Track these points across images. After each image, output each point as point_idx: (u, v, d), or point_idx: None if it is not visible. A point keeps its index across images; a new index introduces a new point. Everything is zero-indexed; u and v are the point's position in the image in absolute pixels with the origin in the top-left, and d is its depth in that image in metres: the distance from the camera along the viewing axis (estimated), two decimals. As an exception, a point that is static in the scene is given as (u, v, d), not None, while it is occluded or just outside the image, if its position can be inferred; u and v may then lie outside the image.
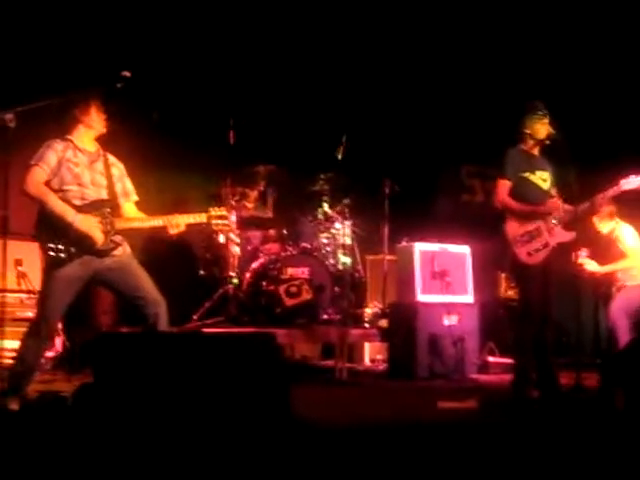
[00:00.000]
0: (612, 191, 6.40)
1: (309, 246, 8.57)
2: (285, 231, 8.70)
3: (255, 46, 9.45)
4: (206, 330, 7.47)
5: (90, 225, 5.41)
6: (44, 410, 5.02)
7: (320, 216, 8.87)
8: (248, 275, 8.35)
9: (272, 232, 8.93)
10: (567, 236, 6.36)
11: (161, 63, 9.10)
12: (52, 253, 5.35)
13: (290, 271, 8.15)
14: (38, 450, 4.12)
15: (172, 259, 8.95)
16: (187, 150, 9.27)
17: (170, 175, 9.44)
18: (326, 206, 8.91)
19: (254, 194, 9.06)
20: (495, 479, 4.12)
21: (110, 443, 4.03)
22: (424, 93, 10.16)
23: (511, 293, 9.35)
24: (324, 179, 8.86)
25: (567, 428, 5.36)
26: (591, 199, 6.37)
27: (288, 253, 8.40)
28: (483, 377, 8.11)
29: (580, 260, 7.72)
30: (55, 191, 5.39)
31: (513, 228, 6.32)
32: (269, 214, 9.14)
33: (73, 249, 5.37)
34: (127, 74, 5.46)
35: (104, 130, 5.70)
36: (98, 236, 5.43)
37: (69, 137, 5.59)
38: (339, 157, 8.93)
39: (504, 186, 6.36)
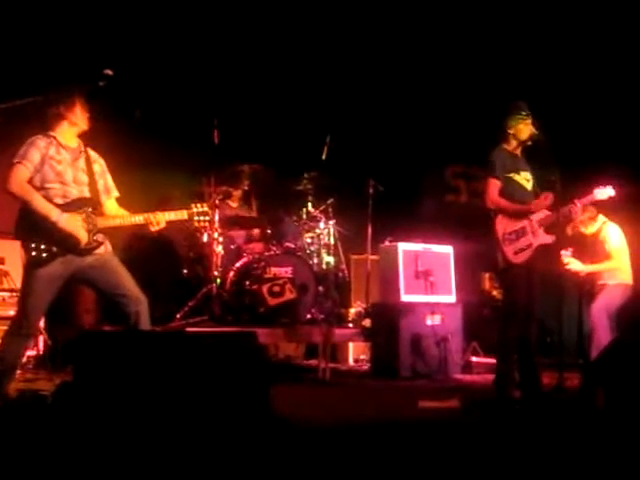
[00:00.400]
0: (585, 200, 6.53)
1: (293, 246, 8.56)
2: (269, 230, 8.68)
3: (240, 45, 9.44)
4: (189, 329, 7.46)
5: (74, 225, 5.39)
6: (24, 409, 5.00)
7: (304, 216, 8.88)
8: (231, 274, 8.33)
9: (256, 231, 8.93)
10: (548, 239, 6.37)
11: (145, 61, 9.09)
12: (34, 253, 5.32)
13: (273, 270, 8.14)
14: (17, 448, 4.10)
15: (155, 258, 8.94)
16: (171, 149, 9.25)
17: (154, 173, 9.43)
18: (310, 206, 8.92)
19: (238, 193, 9.04)
20: (476, 478, 4.12)
21: (90, 442, 4.02)
22: (409, 93, 10.17)
23: (495, 293, 9.37)
24: (308, 179, 8.86)
25: (548, 428, 5.37)
26: (567, 207, 6.40)
27: (271, 252, 8.39)
28: (466, 377, 8.13)
29: (564, 259, 7.75)
30: (37, 189, 5.36)
31: (502, 226, 6.34)
32: (253, 213, 9.13)
33: (55, 248, 5.35)
34: (109, 72, 5.43)
35: (87, 127, 5.68)
36: (82, 235, 5.41)
37: (52, 133, 5.56)
38: (323, 157, 8.95)
39: (495, 186, 6.36)
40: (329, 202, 9.02)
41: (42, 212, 5.33)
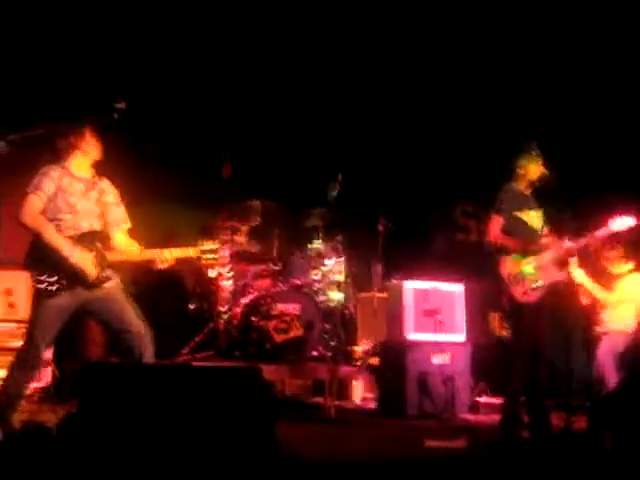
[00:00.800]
0: (602, 231, 6.34)
1: (299, 282, 8.54)
2: (277, 267, 8.68)
3: (252, 81, 9.49)
4: (195, 364, 7.43)
5: (85, 260, 5.40)
6: (28, 440, 4.96)
7: (312, 252, 8.87)
8: (238, 310, 8.32)
9: (263, 267, 8.92)
10: (560, 275, 6.34)
11: (157, 95, 9.14)
12: (43, 284, 5.33)
13: (280, 307, 8.13)
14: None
15: (162, 292, 8.91)
16: (180, 183, 9.30)
17: (162, 208, 9.45)
18: (318, 242, 8.91)
19: (245, 229, 9.04)
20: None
21: (94, 474, 3.99)
22: (420, 130, 10.19)
23: (504, 333, 9.30)
24: (317, 215, 8.86)
25: (555, 469, 5.32)
26: (582, 238, 6.34)
27: (278, 289, 8.38)
28: (474, 417, 8.04)
29: (570, 267, 7.61)
30: (49, 220, 5.38)
31: (507, 267, 6.31)
32: (260, 249, 9.11)
33: (65, 281, 5.36)
34: (122, 105, 5.46)
35: (99, 157, 5.70)
36: (92, 270, 5.41)
37: (65, 164, 5.58)
38: (334, 194, 8.95)
39: (497, 223, 6.37)
40: (338, 239, 9.01)
41: (54, 245, 5.34)
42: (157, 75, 9.11)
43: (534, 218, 6.42)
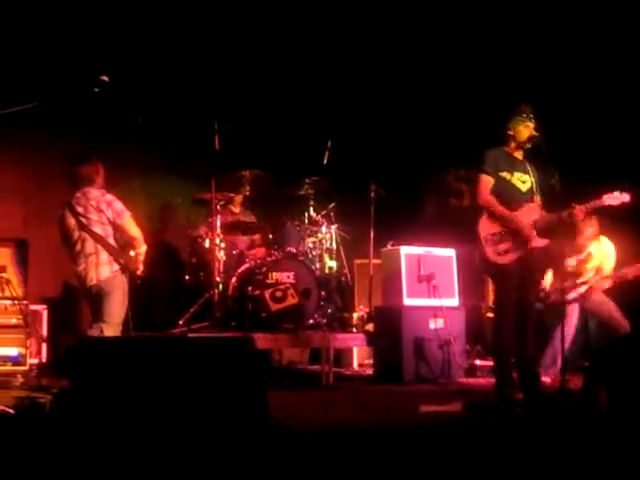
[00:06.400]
0: (593, 204, 6.33)
1: (294, 250, 8.53)
2: (271, 236, 8.67)
3: (240, 51, 9.43)
4: (191, 335, 7.45)
5: None
6: (21, 416, 4.99)
7: (306, 221, 8.86)
8: (234, 280, 8.32)
9: (258, 237, 8.92)
10: (540, 242, 6.31)
11: (147, 68, 9.10)
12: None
13: (275, 276, 8.12)
14: (12, 456, 4.09)
15: (158, 265, 8.91)
16: (172, 155, 9.28)
17: (156, 180, 9.45)
18: (312, 210, 8.91)
19: (239, 199, 9.04)
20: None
21: (86, 448, 4.00)
22: (411, 96, 10.12)
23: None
24: (309, 183, 8.84)
25: (549, 430, 5.34)
26: (570, 209, 6.32)
27: (273, 258, 8.36)
28: (470, 380, 8.08)
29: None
30: None
31: (486, 227, 6.30)
32: (254, 219, 9.10)
33: None
34: (105, 79, 5.44)
35: None
36: None
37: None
38: (325, 162, 8.94)
39: (487, 183, 6.33)
40: (331, 207, 9.00)
41: None
42: (147, 47, 9.05)
43: (518, 180, 6.37)
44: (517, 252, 6.21)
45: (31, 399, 5.57)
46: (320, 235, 8.85)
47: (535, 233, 6.25)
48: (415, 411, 6.04)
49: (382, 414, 6.04)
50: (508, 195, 6.33)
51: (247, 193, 8.95)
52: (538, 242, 6.28)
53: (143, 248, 6.60)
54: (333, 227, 8.94)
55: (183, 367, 4.34)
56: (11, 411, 4.99)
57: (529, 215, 6.29)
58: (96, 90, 5.38)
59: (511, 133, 6.46)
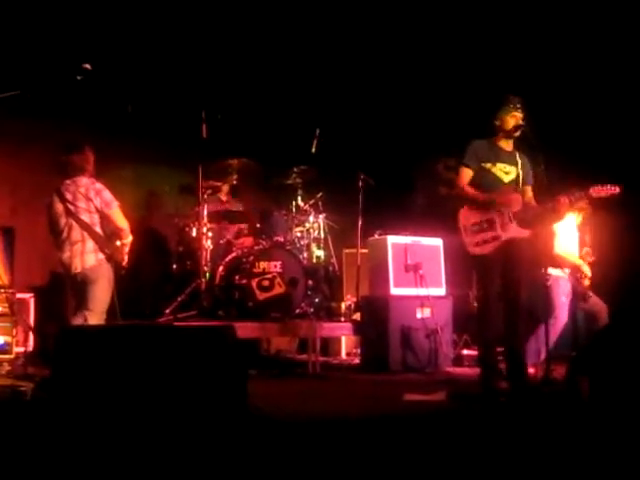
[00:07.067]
0: (579, 195, 6.35)
1: (282, 240, 8.53)
2: (258, 225, 8.66)
3: (228, 38, 9.40)
4: (177, 324, 7.44)
5: None
6: (2, 405, 4.99)
7: (293, 210, 8.86)
8: (221, 269, 8.32)
9: (245, 226, 8.91)
10: (521, 232, 6.31)
11: (136, 57, 9.07)
12: None
13: (262, 265, 8.12)
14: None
15: (145, 254, 8.90)
16: (160, 143, 9.25)
17: (144, 168, 9.44)
18: (299, 199, 8.90)
19: (226, 187, 9.03)
20: (459, 471, 4.10)
21: (66, 436, 4.01)
22: (400, 84, 10.09)
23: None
24: (297, 172, 8.84)
25: (530, 419, 5.35)
26: (554, 200, 6.31)
27: (261, 247, 8.37)
28: (457, 370, 8.09)
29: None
30: None
31: (465, 217, 6.34)
32: (242, 208, 9.09)
33: None
34: (88, 67, 5.44)
35: None
36: None
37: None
38: (313, 150, 8.93)
39: (465, 174, 6.38)
40: (319, 196, 9.01)
41: None
42: (135, 35, 9.01)
43: (501, 171, 6.38)
44: (495, 242, 6.22)
45: (12, 387, 5.57)
46: (308, 224, 8.86)
47: (515, 224, 6.26)
48: (399, 400, 6.03)
49: (365, 403, 6.05)
50: (488, 185, 6.35)
51: (234, 182, 8.95)
52: (517, 232, 6.28)
53: (129, 239, 6.58)
54: (321, 216, 8.95)
55: (163, 355, 4.36)
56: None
57: (510, 206, 6.29)
58: (79, 78, 5.37)
59: (498, 123, 6.49)
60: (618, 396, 5.25)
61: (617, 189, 6.32)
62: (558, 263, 7.69)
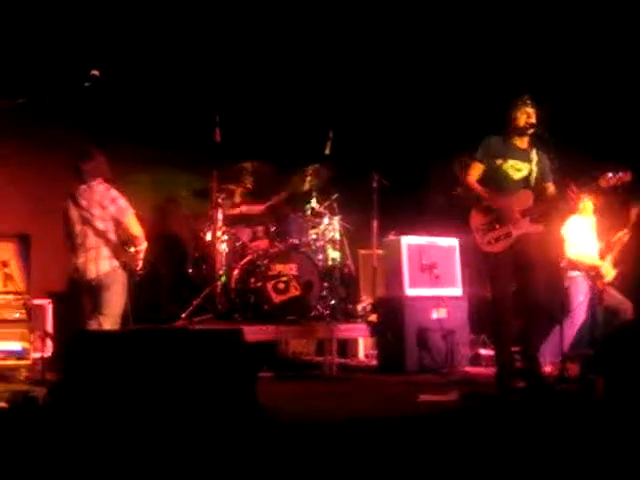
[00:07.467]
0: (589, 187, 6.38)
1: (297, 242, 8.52)
2: (273, 227, 8.66)
3: (240, 42, 9.41)
4: (192, 328, 7.46)
5: None
6: (15, 411, 5.02)
7: (308, 212, 8.86)
8: (236, 272, 8.32)
9: (260, 229, 8.90)
10: (533, 228, 6.30)
11: (148, 63, 9.10)
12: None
13: (278, 267, 8.12)
14: (5, 450, 4.12)
15: (161, 258, 8.92)
16: (175, 147, 9.27)
17: (160, 173, 9.45)
18: (314, 201, 8.89)
19: (241, 191, 9.03)
20: (471, 471, 4.09)
21: (78, 441, 4.03)
22: (415, 83, 10.06)
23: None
24: (312, 174, 8.84)
25: (544, 418, 5.33)
26: (565, 193, 6.29)
27: (276, 249, 8.37)
28: (474, 370, 8.05)
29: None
30: None
31: (477, 217, 6.35)
32: (257, 211, 9.09)
33: None
34: (96, 73, 5.46)
35: None
36: None
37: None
38: (327, 152, 8.92)
39: (476, 169, 6.41)
40: (334, 197, 8.99)
41: None
42: (148, 40, 9.04)
43: (512, 168, 6.36)
44: (508, 239, 6.21)
45: (25, 393, 5.59)
46: (323, 226, 8.83)
47: (527, 219, 6.25)
48: (413, 401, 6.02)
49: (381, 404, 6.05)
50: (498, 182, 6.37)
51: (249, 185, 8.94)
52: (529, 228, 6.27)
53: (143, 246, 6.59)
54: (336, 218, 8.92)
55: (174, 359, 4.38)
56: (4, 405, 5.02)
57: (521, 203, 6.28)
58: (87, 85, 5.39)
59: (510, 120, 6.48)
60: (633, 395, 5.23)
61: (628, 175, 6.26)
62: (574, 266, 7.68)
